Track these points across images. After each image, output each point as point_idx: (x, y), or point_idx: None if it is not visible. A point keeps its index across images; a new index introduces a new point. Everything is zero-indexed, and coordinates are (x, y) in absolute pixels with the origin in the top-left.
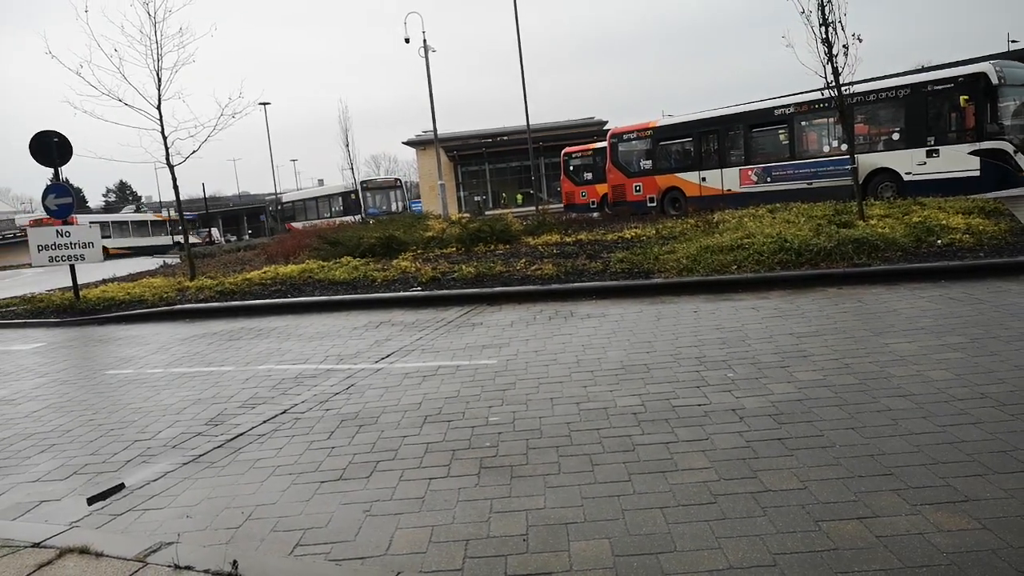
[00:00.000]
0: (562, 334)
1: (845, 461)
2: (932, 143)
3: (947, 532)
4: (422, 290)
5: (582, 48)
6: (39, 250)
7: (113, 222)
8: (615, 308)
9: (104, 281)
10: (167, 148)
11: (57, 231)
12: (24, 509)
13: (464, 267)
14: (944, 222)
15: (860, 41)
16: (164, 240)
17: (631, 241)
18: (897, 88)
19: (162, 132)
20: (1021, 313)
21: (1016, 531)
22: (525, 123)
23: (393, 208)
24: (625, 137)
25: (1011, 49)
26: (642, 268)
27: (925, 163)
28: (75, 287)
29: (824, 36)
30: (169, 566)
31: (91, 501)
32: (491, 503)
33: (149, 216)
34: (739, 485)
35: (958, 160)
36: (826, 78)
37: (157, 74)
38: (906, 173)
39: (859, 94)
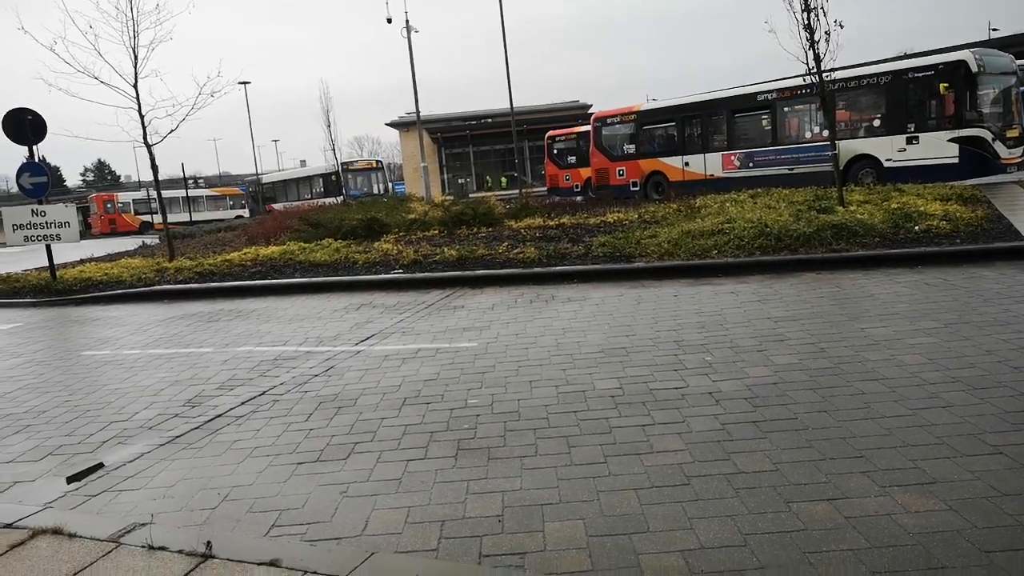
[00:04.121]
0: (543, 317)
1: (817, 444)
2: (912, 130)
3: (914, 513)
4: (404, 273)
5: (567, 31)
6: (14, 229)
7: (181, 197)
8: (596, 292)
9: (82, 261)
10: (144, 127)
11: (33, 210)
12: None
13: (446, 250)
14: (922, 208)
15: (841, 28)
16: (226, 213)
17: (613, 225)
18: (878, 75)
19: (139, 111)
20: (995, 299)
21: (981, 512)
22: (509, 106)
23: (375, 190)
24: (609, 121)
25: (991, 37)
26: (624, 252)
27: (905, 150)
28: (52, 267)
29: (806, 22)
30: (142, 547)
31: (70, 480)
32: (468, 484)
33: (205, 192)
34: (713, 467)
35: (937, 147)
36: (808, 64)
37: (133, 51)
38: (886, 159)
39: (840, 80)
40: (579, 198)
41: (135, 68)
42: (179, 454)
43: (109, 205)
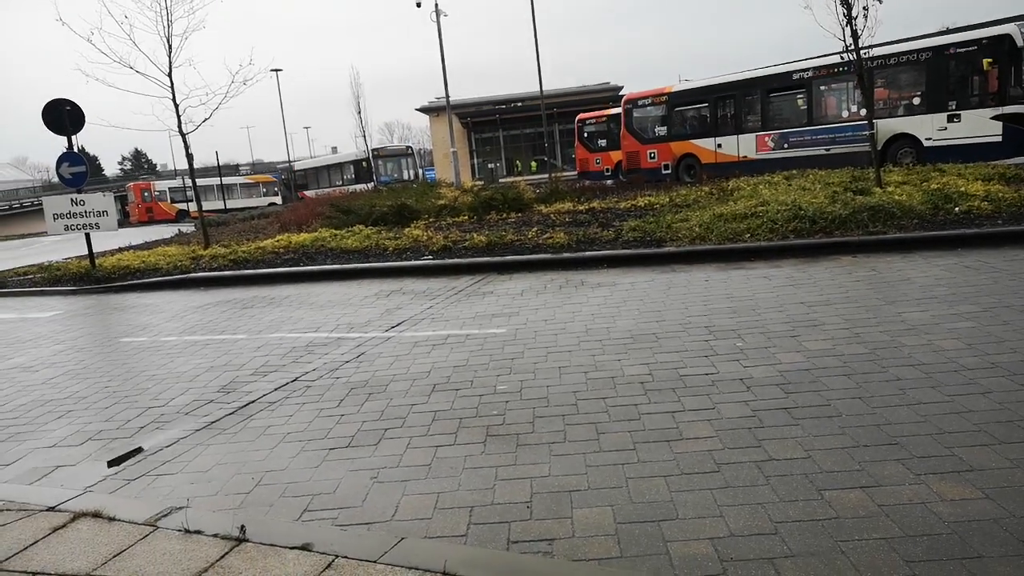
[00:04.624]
0: (572, 303)
1: (851, 430)
2: (953, 108)
3: (950, 502)
4: (433, 259)
5: (598, 10)
6: (55, 219)
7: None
8: (626, 277)
9: (120, 249)
10: (179, 116)
11: (72, 199)
12: (40, 474)
13: (476, 236)
14: (963, 189)
15: (880, 2)
16: (259, 201)
17: (644, 209)
18: (918, 51)
19: (173, 100)
20: None
21: (1019, 501)
22: (539, 89)
23: (405, 176)
24: (640, 103)
25: None
26: (654, 237)
27: (946, 128)
28: (91, 255)
29: None
30: (179, 530)
31: (111, 464)
32: (496, 471)
33: (239, 179)
34: (743, 454)
35: (980, 125)
36: (845, 41)
37: (167, 41)
38: (926, 139)
39: (879, 58)
40: (609, 182)
41: (169, 57)
42: (214, 439)
43: (146, 194)
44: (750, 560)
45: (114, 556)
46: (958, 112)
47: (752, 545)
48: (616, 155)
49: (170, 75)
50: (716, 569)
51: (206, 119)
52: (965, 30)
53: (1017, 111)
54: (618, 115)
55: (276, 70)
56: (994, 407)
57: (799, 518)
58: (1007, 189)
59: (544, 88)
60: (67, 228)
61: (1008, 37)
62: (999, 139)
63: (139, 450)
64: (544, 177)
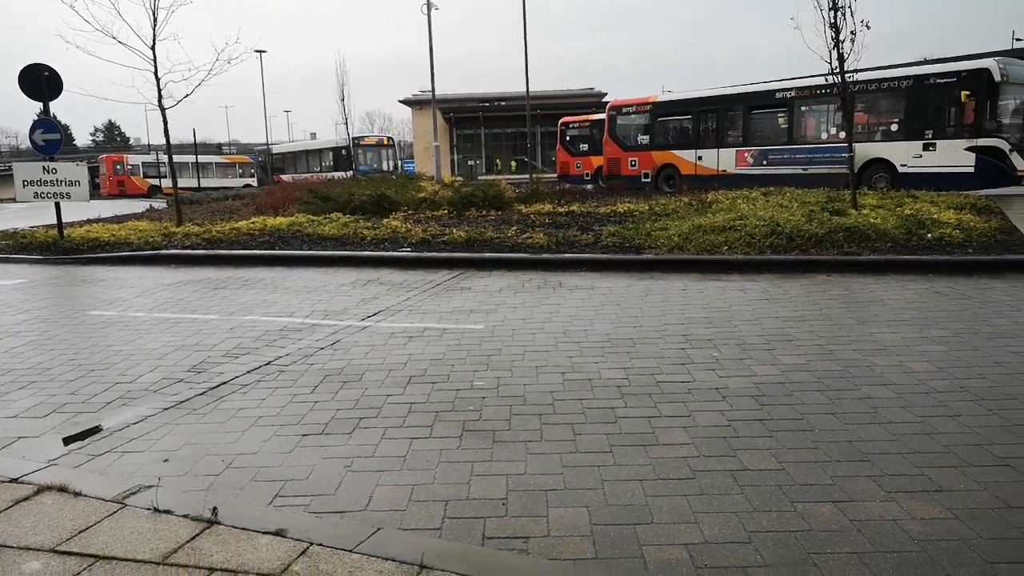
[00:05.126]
0: (550, 304)
1: (824, 445)
2: (929, 136)
3: (920, 520)
4: (412, 251)
5: (585, 15)
6: (24, 185)
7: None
8: (604, 281)
9: (89, 221)
10: (160, 90)
11: (44, 167)
12: (1, 444)
13: (455, 231)
14: (936, 216)
15: (868, 28)
16: (234, 181)
17: (624, 215)
18: (899, 79)
19: (155, 73)
20: (1005, 311)
21: (987, 523)
22: (524, 89)
23: (384, 167)
24: (624, 110)
25: (1015, 47)
26: (633, 243)
27: (921, 156)
28: (60, 225)
29: (833, 20)
30: (148, 509)
31: (67, 441)
32: (472, 466)
33: (215, 158)
34: (718, 462)
35: (954, 155)
36: (831, 63)
37: (153, 13)
38: (901, 165)
39: (861, 82)
40: (589, 186)
41: (154, 30)
42: (184, 419)
43: (119, 167)
44: (724, 568)
45: (80, 532)
46: (934, 141)
47: (726, 553)
48: (597, 160)
49: (153, 48)
50: (690, 575)
51: (187, 95)
52: (945, 61)
53: (991, 144)
54: (601, 121)
55: (260, 51)
56: (963, 430)
57: (772, 528)
58: (978, 219)
59: (529, 90)
60: (37, 196)
61: (986, 71)
62: (972, 170)
63: (97, 429)
64: (524, 177)
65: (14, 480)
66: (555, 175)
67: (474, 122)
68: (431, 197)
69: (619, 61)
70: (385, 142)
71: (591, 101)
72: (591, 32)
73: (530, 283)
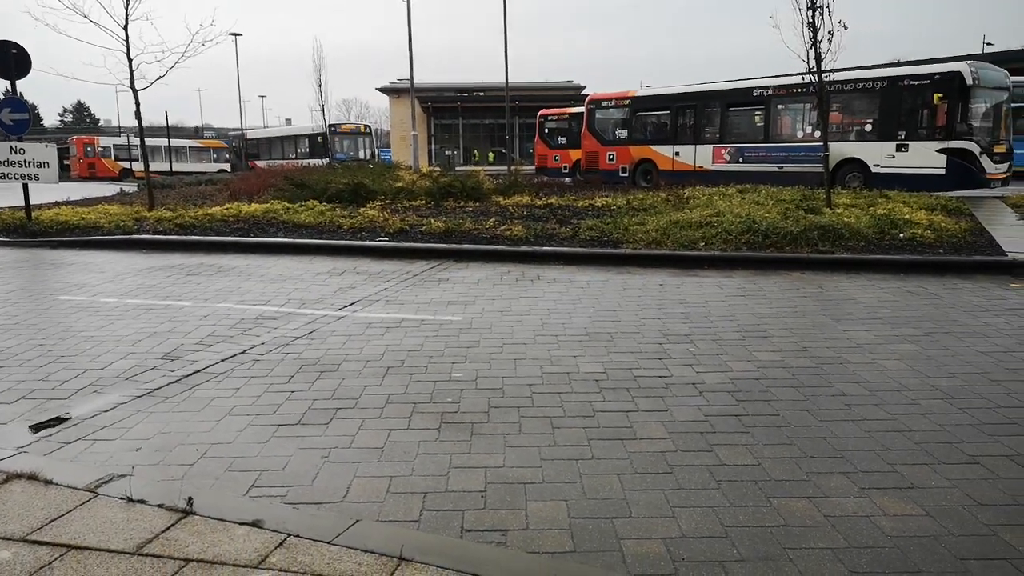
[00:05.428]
0: (528, 296)
1: (799, 441)
2: (902, 137)
3: (892, 516)
4: (389, 241)
5: (564, 8)
6: None
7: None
8: (582, 275)
9: (57, 203)
10: (132, 71)
11: (11, 147)
12: None
13: (433, 221)
14: (908, 216)
15: (845, 29)
16: (208, 166)
17: (601, 209)
18: (874, 80)
19: (127, 54)
20: (975, 311)
21: (957, 520)
22: (503, 80)
23: (361, 155)
24: (603, 104)
25: (985, 51)
26: (611, 237)
27: (894, 156)
28: (27, 207)
29: (811, 20)
30: (121, 498)
31: (36, 429)
32: (451, 458)
33: (189, 142)
34: (695, 457)
35: (926, 157)
36: (808, 63)
37: None
38: (874, 165)
39: (837, 82)
40: (567, 179)
41: (126, 9)
42: (156, 407)
43: (89, 149)
44: (701, 562)
45: (51, 521)
46: (907, 142)
47: (703, 547)
48: (575, 153)
49: (126, 28)
50: (668, 569)
51: (160, 77)
52: (918, 64)
53: (961, 146)
54: (580, 114)
55: (236, 35)
56: (934, 428)
57: (749, 523)
58: (949, 220)
59: (508, 80)
60: (3, 177)
61: (959, 75)
62: (943, 172)
63: (67, 417)
64: (502, 168)
65: None
66: (533, 167)
67: (452, 112)
68: (409, 187)
69: (599, 56)
70: (362, 130)
71: (570, 94)
72: (571, 25)
73: (508, 275)
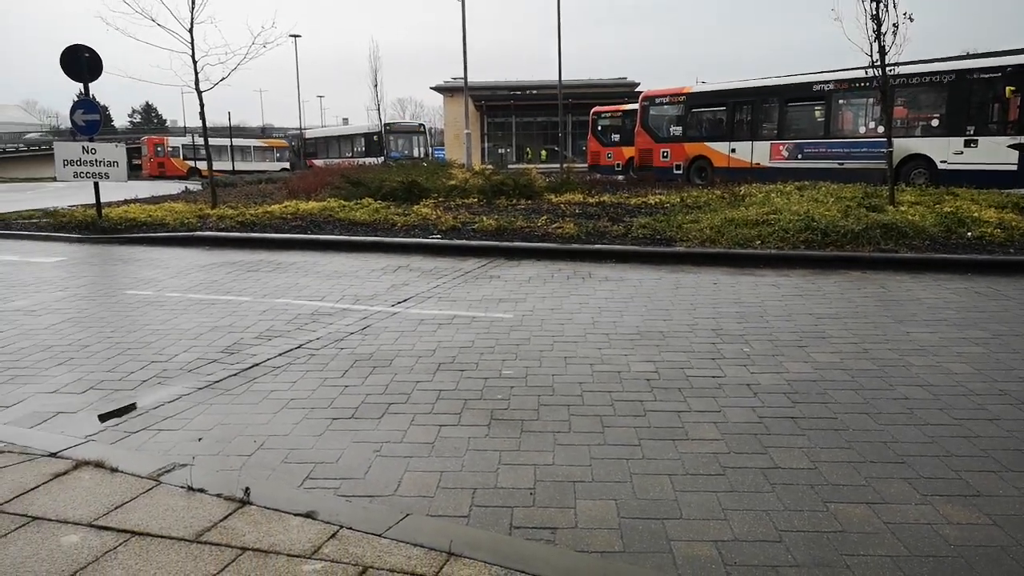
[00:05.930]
0: (579, 294)
1: (857, 445)
2: (971, 132)
3: (956, 525)
4: (442, 238)
5: (619, 4)
6: (64, 165)
7: (227, 146)
8: (634, 273)
9: (126, 201)
10: (196, 73)
11: (84, 147)
12: (41, 419)
13: (485, 219)
14: (976, 214)
15: (911, 21)
16: (270, 165)
17: (655, 207)
18: (941, 73)
19: (193, 56)
20: None
21: None
22: (556, 77)
23: (415, 154)
24: (657, 101)
25: None
26: (664, 235)
27: (962, 152)
28: (98, 204)
29: (874, 12)
30: (182, 487)
31: (104, 418)
32: (500, 455)
33: (252, 142)
34: (749, 459)
35: (996, 152)
36: (871, 56)
37: None
38: (941, 161)
39: (902, 76)
40: (620, 177)
41: (192, 12)
42: (217, 399)
43: (159, 148)
44: (754, 566)
45: (116, 507)
46: (976, 137)
47: (756, 551)
48: (629, 151)
49: (191, 31)
50: (720, 572)
51: (223, 78)
52: (989, 56)
53: None
54: (634, 111)
55: (295, 36)
56: (1002, 434)
57: (804, 528)
58: (1020, 218)
59: (561, 78)
60: (76, 175)
61: None
62: (1015, 168)
63: (133, 407)
64: (554, 167)
65: (53, 454)
66: (585, 165)
67: (505, 110)
68: (461, 185)
69: (654, 52)
70: (417, 129)
71: (623, 91)
72: (625, 21)
73: (559, 273)
